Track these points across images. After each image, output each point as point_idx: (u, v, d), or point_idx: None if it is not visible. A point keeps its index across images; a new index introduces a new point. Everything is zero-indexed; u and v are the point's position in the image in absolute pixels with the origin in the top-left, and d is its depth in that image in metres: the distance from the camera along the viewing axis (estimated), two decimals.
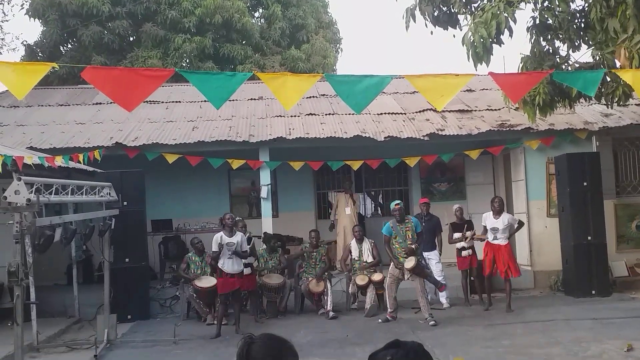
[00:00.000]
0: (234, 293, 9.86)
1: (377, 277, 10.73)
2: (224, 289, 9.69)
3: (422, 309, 9.87)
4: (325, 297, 10.85)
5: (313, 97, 15.52)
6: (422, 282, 9.85)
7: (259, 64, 22.39)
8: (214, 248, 9.64)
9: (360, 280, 10.83)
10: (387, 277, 10.19)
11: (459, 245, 11.22)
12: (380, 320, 10.03)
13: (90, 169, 11.60)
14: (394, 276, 9.96)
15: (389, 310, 10.08)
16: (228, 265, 9.64)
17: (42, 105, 15.71)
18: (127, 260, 10.97)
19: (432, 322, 9.57)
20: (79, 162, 11.04)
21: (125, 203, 10.42)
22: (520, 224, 10.93)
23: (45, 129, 13.72)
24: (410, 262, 9.79)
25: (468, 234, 11.02)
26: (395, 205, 10.04)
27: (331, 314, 10.57)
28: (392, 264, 10.00)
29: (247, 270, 10.23)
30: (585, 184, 11.64)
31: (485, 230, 10.67)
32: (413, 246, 9.83)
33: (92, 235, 9.04)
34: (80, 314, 11.17)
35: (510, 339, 8.53)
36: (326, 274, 11.23)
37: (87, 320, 10.77)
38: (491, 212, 10.67)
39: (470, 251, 11.21)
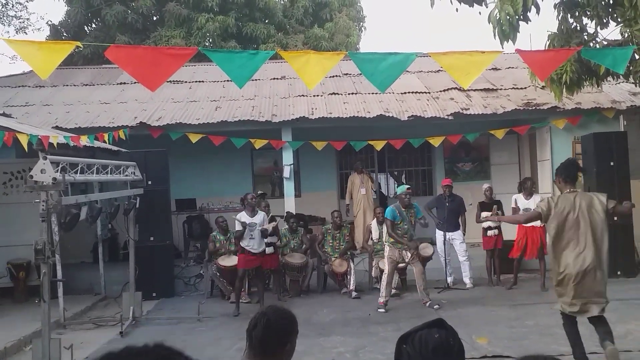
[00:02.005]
0: (256, 272, 9.92)
1: (401, 265, 10.48)
2: (243, 265, 9.76)
3: (421, 293, 9.57)
4: (348, 277, 10.87)
5: (336, 76, 15.44)
6: (422, 267, 9.71)
7: (282, 43, 22.29)
8: (237, 227, 9.69)
9: (384, 264, 10.78)
10: (386, 264, 9.71)
11: (485, 224, 11.14)
12: (381, 310, 9.46)
13: (115, 148, 11.69)
14: (394, 261, 9.67)
15: (385, 298, 9.51)
16: (250, 244, 9.69)
17: (67, 85, 15.84)
18: (151, 238, 11.08)
19: (436, 306, 9.40)
20: (104, 141, 11.13)
21: (149, 182, 10.50)
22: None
23: (71, 109, 13.84)
24: (430, 249, 9.77)
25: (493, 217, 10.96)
26: (407, 189, 9.84)
27: (354, 293, 10.59)
28: (387, 248, 9.71)
29: (269, 250, 10.28)
30: (612, 163, 11.47)
31: (514, 212, 10.56)
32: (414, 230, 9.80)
33: (117, 214, 9.13)
34: (106, 292, 11.33)
35: (534, 319, 8.48)
36: (349, 253, 11.24)
37: (112, 298, 10.92)
38: (521, 194, 10.59)
39: (496, 231, 11.13)
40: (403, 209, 9.62)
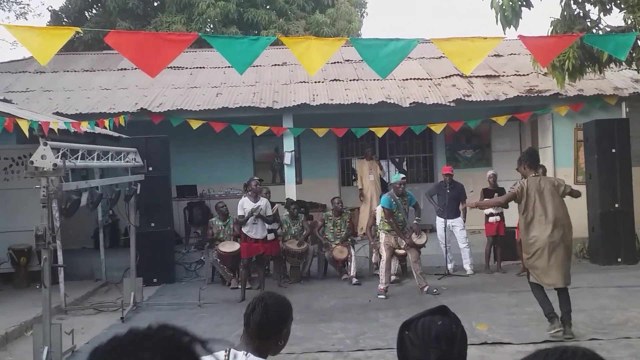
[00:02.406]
0: (258, 258, 9.94)
1: (400, 252, 10.49)
2: (248, 253, 9.76)
3: (418, 278, 9.61)
4: (349, 263, 10.88)
5: (337, 62, 15.38)
6: (417, 253, 9.71)
7: (283, 29, 22.20)
8: (239, 213, 9.69)
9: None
10: (383, 251, 9.75)
11: (487, 211, 11.14)
12: (381, 296, 9.46)
13: (116, 134, 11.68)
14: (391, 248, 9.69)
15: (384, 284, 9.52)
16: (253, 230, 9.69)
17: (67, 71, 15.80)
18: (152, 225, 11.09)
19: (435, 290, 9.47)
20: (105, 127, 11.11)
21: (150, 168, 10.49)
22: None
23: (71, 95, 13.81)
24: (422, 238, 9.79)
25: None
26: (402, 179, 9.83)
27: (354, 280, 10.61)
28: (383, 235, 9.73)
29: (270, 236, 10.30)
30: (613, 150, 11.45)
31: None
32: (415, 221, 9.90)
33: (118, 200, 9.14)
34: (107, 277, 11.36)
35: (533, 306, 8.43)
36: (349, 240, 11.25)
37: (113, 284, 10.95)
38: None
39: (498, 217, 11.13)
40: (397, 198, 9.65)
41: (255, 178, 11.32)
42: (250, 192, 9.88)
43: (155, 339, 0.99)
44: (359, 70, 14.57)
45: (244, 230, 9.70)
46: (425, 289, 9.47)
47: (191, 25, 21.51)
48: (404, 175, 9.97)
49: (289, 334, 2.80)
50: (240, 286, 9.93)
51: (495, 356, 6.44)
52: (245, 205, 9.67)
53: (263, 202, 9.84)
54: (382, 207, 9.79)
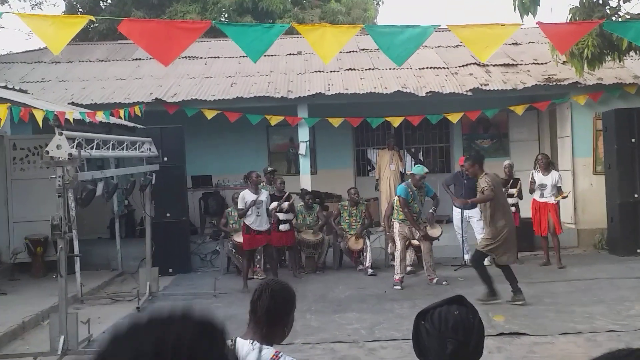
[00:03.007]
0: (265, 249, 9.94)
1: (415, 242, 10.33)
2: (250, 245, 9.75)
3: (427, 269, 9.66)
4: (365, 254, 10.83)
5: (353, 51, 15.26)
6: (430, 244, 9.69)
7: (298, 18, 22.08)
8: (240, 206, 9.68)
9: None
10: (397, 241, 9.71)
11: None
12: (397, 287, 9.42)
13: (131, 124, 11.69)
14: (405, 237, 9.67)
15: (400, 275, 9.50)
16: (256, 222, 9.67)
17: (82, 61, 15.83)
18: (168, 215, 11.10)
19: (445, 282, 9.47)
20: (120, 117, 11.11)
21: (165, 159, 10.48)
22: (559, 192, 10.64)
23: (86, 85, 13.83)
24: (437, 231, 9.73)
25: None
26: (425, 173, 9.83)
27: (370, 270, 10.56)
28: (397, 224, 9.72)
29: (285, 227, 10.27)
30: (633, 140, 11.29)
31: (531, 185, 10.58)
32: (431, 210, 10.05)
33: (134, 190, 9.15)
34: (123, 267, 11.40)
35: (551, 297, 8.41)
36: (365, 231, 11.18)
37: (129, 273, 10.99)
38: (538, 170, 10.54)
39: (514, 209, 11.01)
40: (415, 188, 9.61)
41: (269, 168, 11.32)
42: (250, 184, 9.85)
43: (189, 314, 1.00)
44: (375, 59, 14.45)
45: (247, 222, 9.67)
46: (434, 280, 9.45)
47: (206, 15, 21.44)
48: (427, 170, 9.93)
49: (292, 323, 2.80)
50: (255, 276, 9.94)
51: (513, 347, 6.38)
52: (246, 197, 9.65)
53: (264, 194, 9.82)
54: (399, 196, 9.74)
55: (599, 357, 1.18)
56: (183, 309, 1.01)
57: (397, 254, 9.61)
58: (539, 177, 10.50)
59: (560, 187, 10.68)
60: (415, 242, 10.05)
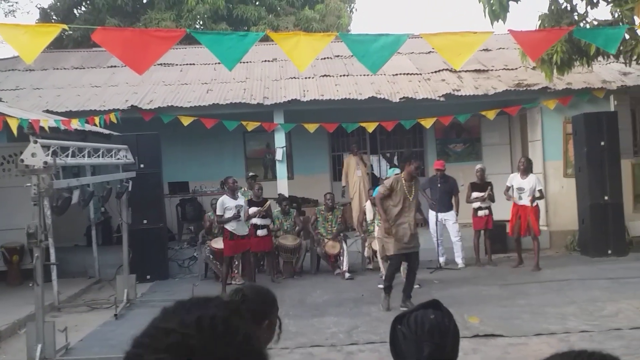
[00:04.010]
0: (244, 254, 9.98)
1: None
2: (231, 251, 9.80)
3: (402, 271, 9.27)
4: (341, 258, 10.92)
5: (327, 58, 15.38)
6: None
7: (273, 25, 22.16)
8: (219, 212, 9.74)
9: (376, 245, 10.80)
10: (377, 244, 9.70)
11: (476, 205, 11.22)
12: (380, 286, 9.35)
13: (107, 131, 11.65)
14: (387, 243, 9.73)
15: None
16: (236, 227, 9.73)
17: (57, 69, 15.73)
18: (145, 221, 11.07)
19: (417, 285, 9.21)
20: (95, 125, 11.08)
21: (142, 165, 10.48)
22: (542, 194, 10.74)
23: (61, 92, 13.75)
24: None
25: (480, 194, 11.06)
26: (396, 174, 9.80)
27: (347, 274, 10.64)
28: (378, 228, 9.62)
29: (262, 232, 10.32)
30: (602, 143, 11.52)
31: (507, 189, 10.67)
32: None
33: (110, 197, 9.14)
34: (100, 275, 11.34)
35: (525, 298, 8.56)
36: (342, 235, 11.27)
37: (107, 281, 10.91)
38: (518, 173, 10.63)
39: (487, 211, 11.20)
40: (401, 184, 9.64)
41: (250, 174, 11.38)
42: (227, 190, 9.91)
43: (222, 298, 1.18)
44: (349, 65, 14.58)
45: (229, 228, 9.73)
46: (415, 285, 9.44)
47: (180, 22, 21.43)
48: (399, 171, 9.96)
49: (273, 328, 2.67)
50: (233, 282, 9.98)
51: (487, 349, 6.49)
52: (226, 203, 9.71)
53: (242, 200, 9.90)
54: (374, 196, 9.81)
55: (548, 358, 1.25)
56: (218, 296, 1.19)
57: (382, 259, 9.63)
58: (517, 180, 10.59)
59: (540, 189, 10.65)
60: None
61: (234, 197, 9.82)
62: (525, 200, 10.44)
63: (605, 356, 1.20)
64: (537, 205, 10.58)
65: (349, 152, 13.89)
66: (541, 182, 11.06)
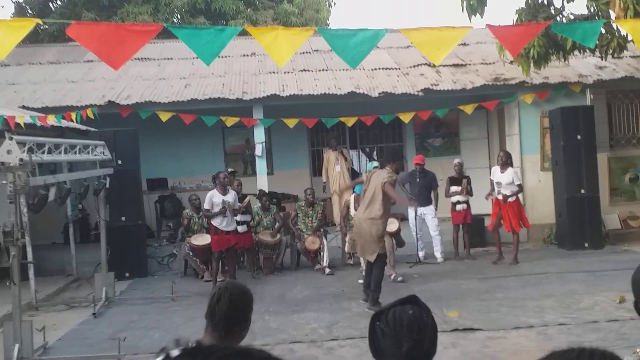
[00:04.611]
0: (228, 250, 9.96)
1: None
2: (218, 246, 9.77)
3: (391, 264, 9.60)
4: (321, 254, 10.93)
5: (306, 52, 15.35)
6: (390, 240, 9.68)
7: (251, 19, 22.07)
8: (206, 206, 9.69)
9: None
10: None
11: (454, 199, 11.29)
12: (360, 281, 9.40)
13: (84, 127, 11.53)
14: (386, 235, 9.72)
15: (392, 270, 9.62)
16: (223, 223, 9.70)
17: (33, 64, 15.52)
18: (123, 218, 10.98)
19: (400, 279, 9.50)
20: (72, 120, 10.96)
21: (119, 162, 10.40)
22: (520, 188, 10.75)
23: (37, 88, 13.57)
24: (393, 225, 9.74)
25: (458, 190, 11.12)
26: (374, 167, 9.83)
27: (327, 270, 10.66)
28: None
29: (242, 228, 10.29)
30: (579, 137, 11.65)
31: (491, 183, 10.73)
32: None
33: (87, 194, 9.04)
34: (78, 273, 11.24)
35: (503, 292, 8.63)
36: (322, 230, 11.28)
37: (85, 279, 10.83)
38: (498, 167, 10.66)
39: (464, 205, 11.27)
40: None
41: (229, 170, 11.32)
42: (218, 185, 9.87)
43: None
44: (328, 60, 14.57)
45: (215, 223, 9.71)
46: (392, 277, 9.53)
47: (158, 16, 21.26)
48: (376, 164, 9.97)
49: (249, 324, 2.83)
50: (212, 279, 9.94)
51: (466, 342, 6.54)
52: (214, 198, 9.68)
53: (232, 195, 9.86)
54: (355, 192, 9.83)
55: (547, 356, 1.25)
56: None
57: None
58: (497, 175, 10.64)
59: (519, 184, 10.63)
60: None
61: (224, 192, 9.77)
62: (506, 192, 10.43)
63: (605, 353, 1.19)
64: (517, 199, 10.61)
65: (328, 147, 13.86)
66: (519, 176, 11.06)
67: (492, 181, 10.74)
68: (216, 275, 9.84)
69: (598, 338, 6.31)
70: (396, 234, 10.13)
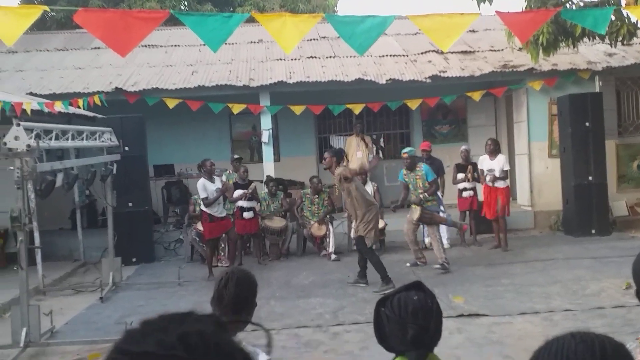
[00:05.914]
0: (228, 234, 9.97)
1: (380, 224, 10.41)
2: (213, 233, 9.79)
3: (437, 253, 9.45)
4: (328, 240, 10.95)
5: (314, 39, 15.29)
6: (434, 228, 9.67)
7: (259, 6, 21.98)
8: (202, 195, 9.67)
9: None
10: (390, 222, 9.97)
11: (461, 186, 11.27)
12: (408, 264, 9.71)
13: (91, 114, 11.55)
14: (410, 222, 9.68)
15: (442, 258, 9.35)
16: (218, 209, 9.75)
17: (40, 50, 15.54)
18: (130, 204, 11.02)
19: (437, 266, 9.29)
20: (79, 107, 10.98)
21: (126, 148, 10.40)
22: (505, 174, 10.62)
23: (44, 74, 13.60)
24: (415, 213, 9.67)
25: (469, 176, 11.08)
26: (403, 154, 9.80)
27: (333, 256, 10.68)
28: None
29: (249, 214, 10.31)
30: (587, 124, 11.59)
31: (482, 172, 10.72)
32: (421, 196, 9.48)
33: (94, 180, 9.07)
34: (85, 258, 11.32)
35: (510, 278, 8.63)
36: (328, 217, 11.29)
37: (92, 264, 10.90)
38: (487, 155, 10.66)
39: (471, 192, 11.25)
40: (408, 172, 9.64)
41: (235, 156, 11.32)
42: (204, 173, 9.85)
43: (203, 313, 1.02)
44: (335, 47, 14.52)
45: (210, 210, 9.68)
46: (435, 266, 9.30)
47: (165, 3, 21.19)
48: (406, 150, 9.90)
49: (254, 308, 2.87)
50: (219, 264, 9.99)
51: (472, 328, 6.55)
52: (207, 186, 9.65)
53: (218, 182, 9.89)
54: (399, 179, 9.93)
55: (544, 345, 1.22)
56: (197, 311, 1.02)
57: (406, 238, 9.74)
58: (487, 162, 10.63)
59: (507, 170, 10.62)
60: (381, 225, 10.16)
61: (211, 179, 9.76)
62: (497, 182, 10.43)
63: (604, 341, 1.18)
64: (507, 186, 10.64)
65: (351, 133, 13.80)
66: (508, 162, 11.01)
67: (481, 170, 10.73)
68: (211, 262, 9.84)
69: (604, 324, 6.31)
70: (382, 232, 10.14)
